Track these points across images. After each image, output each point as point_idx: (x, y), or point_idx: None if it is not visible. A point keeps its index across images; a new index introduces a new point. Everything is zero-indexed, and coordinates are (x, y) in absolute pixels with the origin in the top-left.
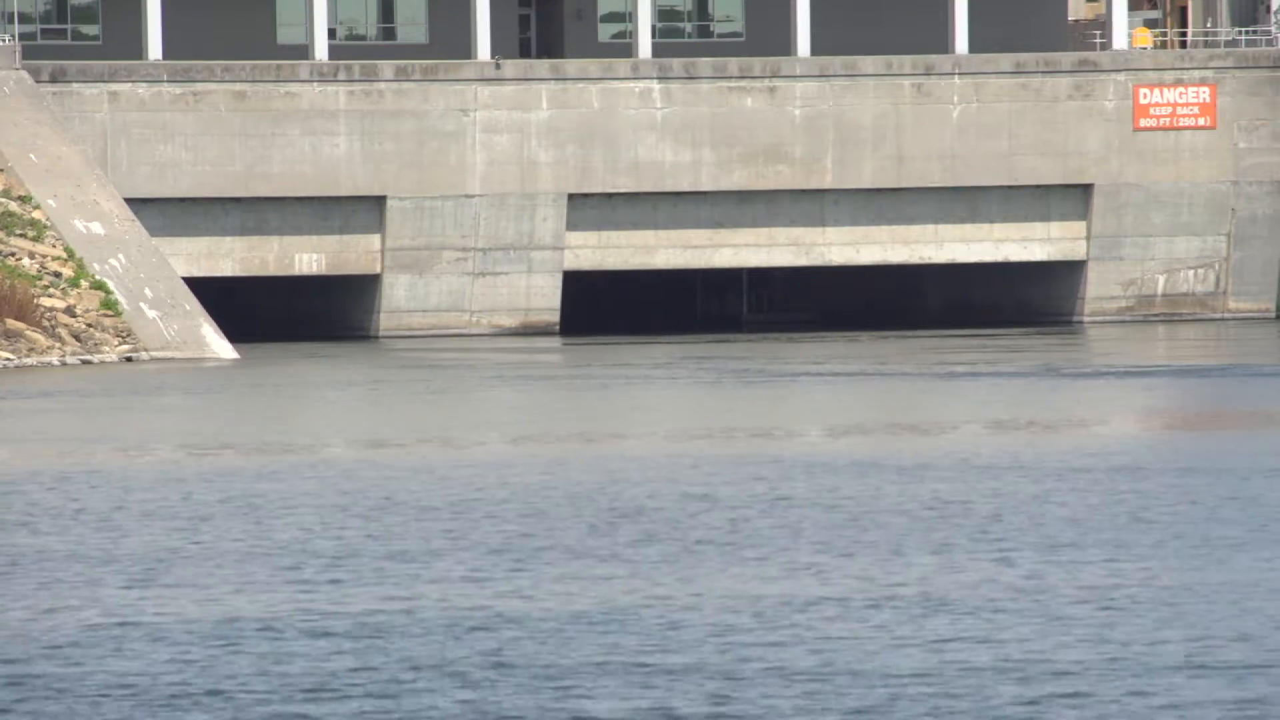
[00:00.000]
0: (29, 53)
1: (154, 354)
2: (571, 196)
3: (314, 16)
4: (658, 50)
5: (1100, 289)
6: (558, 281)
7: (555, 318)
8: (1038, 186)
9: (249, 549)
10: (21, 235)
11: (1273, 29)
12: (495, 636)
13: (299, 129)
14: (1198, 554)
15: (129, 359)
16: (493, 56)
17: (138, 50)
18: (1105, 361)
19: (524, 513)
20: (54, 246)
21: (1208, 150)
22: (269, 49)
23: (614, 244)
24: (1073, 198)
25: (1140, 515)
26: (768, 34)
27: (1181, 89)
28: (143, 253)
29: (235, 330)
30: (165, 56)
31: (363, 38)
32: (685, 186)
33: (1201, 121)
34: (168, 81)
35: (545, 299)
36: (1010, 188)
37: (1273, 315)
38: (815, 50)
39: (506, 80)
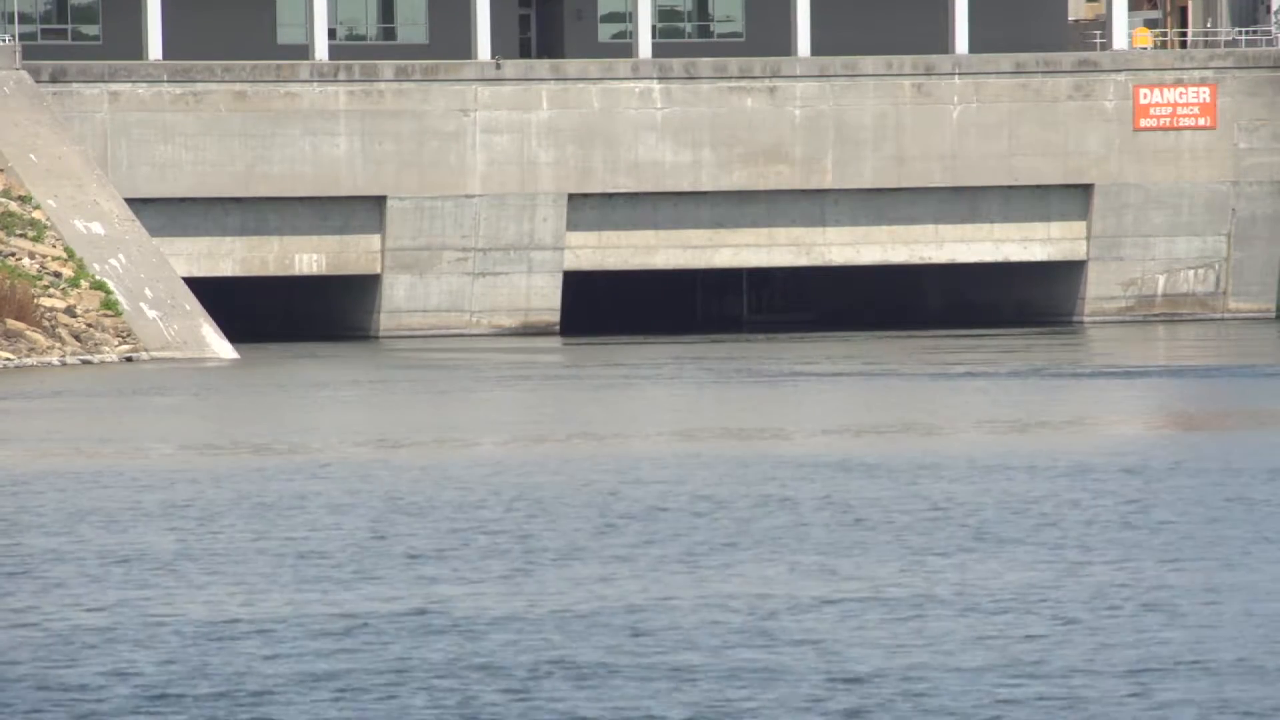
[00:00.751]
0: (29, 53)
1: (154, 354)
2: (571, 196)
3: (314, 16)
4: (658, 50)
5: (1100, 289)
6: (558, 281)
7: (555, 318)
8: (1038, 186)
9: (259, 549)
10: (21, 235)
11: (1273, 29)
12: (499, 638)
13: (299, 129)
14: (1213, 555)
15: (129, 359)
16: (493, 56)
17: (138, 50)
18: (1106, 362)
19: (534, 513)
20: (54, 246)
21: (1208, 150)
22: (269, 49)
23: (614, 244)
24: (1073, 198)
25: (1153, 515)
26: (768, 34)
27: (1181, 89)
28: (143, 253)
29: (235, 330)
30: (165, 56)
31: (363, 38)
32: (685, 186)
33: (1201, 121)
34: (168, 81)
35: (545, 299)
36: (1010, 188)
37: (1273, 315)
38: (815, 50)
39: (506, 80)
